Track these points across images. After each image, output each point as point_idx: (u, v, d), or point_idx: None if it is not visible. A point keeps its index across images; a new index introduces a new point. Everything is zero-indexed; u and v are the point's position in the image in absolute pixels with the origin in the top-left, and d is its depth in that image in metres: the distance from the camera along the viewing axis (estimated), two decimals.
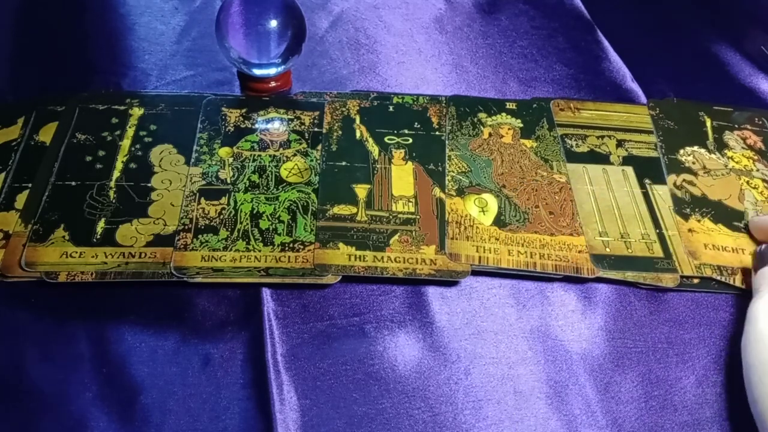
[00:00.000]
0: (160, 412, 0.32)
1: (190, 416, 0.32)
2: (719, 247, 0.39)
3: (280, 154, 0.42)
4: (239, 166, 0.41)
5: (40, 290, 0.36)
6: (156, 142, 0.42)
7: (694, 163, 0.43)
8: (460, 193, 0.41)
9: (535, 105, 0.46)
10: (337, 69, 0.49)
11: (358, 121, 0.44)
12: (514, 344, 0.35)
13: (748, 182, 0.42)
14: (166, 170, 0.41)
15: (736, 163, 0.44)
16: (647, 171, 0.43)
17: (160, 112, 0.44)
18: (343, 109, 0.45)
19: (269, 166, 0.41)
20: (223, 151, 0.42)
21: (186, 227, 0.38)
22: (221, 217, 0.38)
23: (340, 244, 0.37)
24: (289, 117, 0.44)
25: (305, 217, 0.39)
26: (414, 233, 0.38)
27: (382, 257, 0.37)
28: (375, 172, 0.41)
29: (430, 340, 0.35)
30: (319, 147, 0.43)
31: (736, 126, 0.46)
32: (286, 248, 0.37)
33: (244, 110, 0.44)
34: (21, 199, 0.39)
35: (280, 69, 0.44)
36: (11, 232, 0.37)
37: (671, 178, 0.42)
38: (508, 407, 0.33)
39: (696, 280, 0.38)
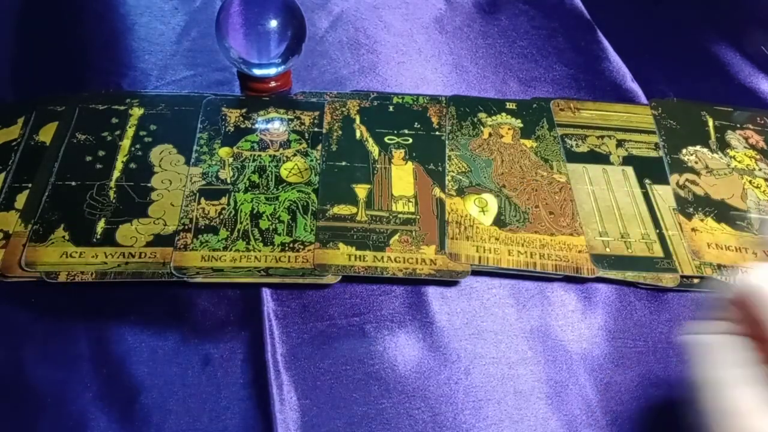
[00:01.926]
0: (160, 412, 0.32)
1: (190, 416, 0.32)
2: (722, 246, 0.39)
3: (280, 154, 0.42)
4: (239, 166, 0.41)
5: (40, 290, 0.36)
6: (156, 142, 0.42)
7: (696, 162, 0.43)
8: (460, 193, 0.41)
9: (535, 105, 0.46)
10: (337, 69, 0.49)
11: (358, 121, 0.44)
12: (514, 344, 0.35)
13: (750, 182, 0.42)
14: (166, 170, 0.41)
15: (739, 162, 0.44)
16: (647, 171, 0.43)
17: (160, 112, 0.44)
18: (343, 109, 0.45)
19: (269, 166, 0.41)
20: (223, 151, 0.42)
21: (186, 227, 0.38)
22: (221, 217, 0.38)
23: (340, 244, 0.37)
24: (289, 117, 0.44)
25: (305, 217, 0.39)
26: (414, 233, 0.38)
27: (382, 257, 0.37)
28: (375, 172, 0.41)
29: (430, 340, 0.35)
30: (319, 147, 0.43)
31: (738, 125, 0.46)
32: (286, 248, 0.37)
33: (244, 110, 0.44)
34: (21, 199, 0.39)
35: (280, 69, 0.44)
36: (11, 232, 0.37)
37: (674, 178, 0.42)
38: (508, 407, 0.33)
39: (696, 280, 0.38)
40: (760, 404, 0.24)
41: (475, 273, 0.37)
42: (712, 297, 0.27)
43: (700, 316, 0.27)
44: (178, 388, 0.33)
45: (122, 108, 0.44)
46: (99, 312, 0.36)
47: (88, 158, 0.41)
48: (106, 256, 0.36)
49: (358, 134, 0.44)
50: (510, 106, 0.46)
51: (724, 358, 0.26)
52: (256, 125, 0.44)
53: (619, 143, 0.44)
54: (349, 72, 0.48)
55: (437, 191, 0.41)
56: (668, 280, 0.37)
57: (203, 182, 0.40)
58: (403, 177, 0.41)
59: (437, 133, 0.44)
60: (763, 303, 0.25)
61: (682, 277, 0.37)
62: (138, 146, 0.42)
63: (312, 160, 0.42)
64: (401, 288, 0.37)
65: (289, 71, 0.46)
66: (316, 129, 0.44)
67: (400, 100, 0.46)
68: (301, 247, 0.37)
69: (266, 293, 0.36)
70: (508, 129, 0.45)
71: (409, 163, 0.42)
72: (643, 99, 0.48)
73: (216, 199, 0.39)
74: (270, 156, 0.42)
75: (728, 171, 0.43)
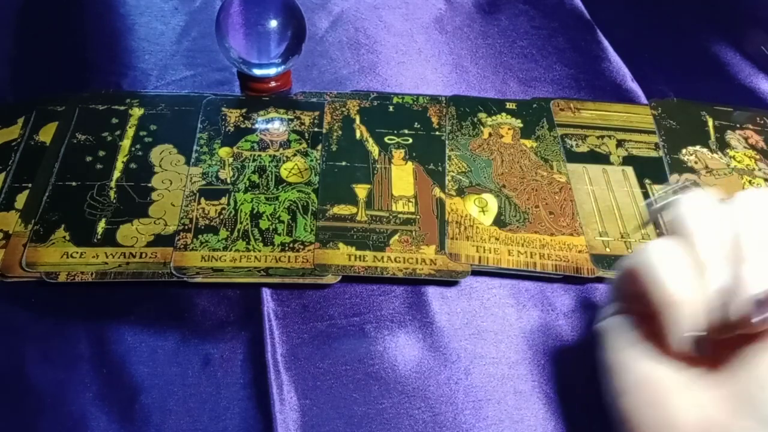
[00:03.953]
0: (160, 412, 0.32)
1: (190, 416, 0.32)
2: None
3: (280, 154, 0.42)
4: (239, 166, 0.41)
5: (40, 290, 0.36)
6: (156, 142, 0.42)
7: (696, 162, 0.43)
8: (460, 193, 0.41)
9: (535, 105, 0.46)
10: (337, 69, 0.49)
11: (358, 121, 0.44)
12: (514, 344, 0.35)
13: (750, 182, 0.42)
14: (167, 170, 0.41)
15: (739, 162, 0.44)
16: (647, 171, 0.43)
17: (160, 112, 0.44)
18: (343, 109, 0.45)
19: (269, 166, 0.41)
20: (223, 151, 0.42)
21: (186, 227, 0.38)
22: (221, 217, 0.38)
23: (340, 244, 0.37)
24: (289, 117, 0.44)
25: (305, 217, 0.39)
26: (414, 233, 0.38)
27: (382, 257, 0.37)
28: (375, 172, 0.41)
29: (430, 340, 0.35)
30: (319, 147, 0.43)
31: (738, 125, 0.46)
32: (286, 248, 0.37)
33: (244, 110, 0.44)
34: (21, 199, 0.39)
35: (280, 69, 0.44)
36: (11, 232, 0.37)
37: (674, 178, 0.42)
38: (508, 407, 0.33)
39: None
40: (657, 379, 0.26)
41: (475, 273, 0.37)
42: (610, 278, 0.28)
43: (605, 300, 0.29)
44: (178, 388, 0.33)
45: (122, 108, 0.44)
46: (99, 312, 0.36)
47: (89, 158, 0.41)
48: (107, 257, 0.36)
49: (358, 134, 0.44)
50: (510, 106, 0.46)
51: (617, 340, 0.28)
52: (256, 125, 0.44)
53: (619, 143, 0.44)
54: (349, 72, 0.48)
55: (437, 191, 0.41)
56: None
57: (203, 182, 0.40)
58: (403, 177, 0.41)
59: (437, 133, 0.44)
60: (646, 277, 0.25)
61: None
62: (138, 146, 0.42)
63: (312, 160, 0.42)
64: (401, 288, 0.37)
65: (289, 71, 0.46)
66: (316, 129, 0.44)
67: (400, 100, 0.46)
68: (301, 247, 0.37)
69: (266, 293, 0.36)
70: (508, 129, 0.45)
71: (409, 163, 0.42)
72: (643, 99, 0.48)
73: (216, 199, 0.39)
74: (270, 156, 0.42)
75: (728, 171, 0.43)
